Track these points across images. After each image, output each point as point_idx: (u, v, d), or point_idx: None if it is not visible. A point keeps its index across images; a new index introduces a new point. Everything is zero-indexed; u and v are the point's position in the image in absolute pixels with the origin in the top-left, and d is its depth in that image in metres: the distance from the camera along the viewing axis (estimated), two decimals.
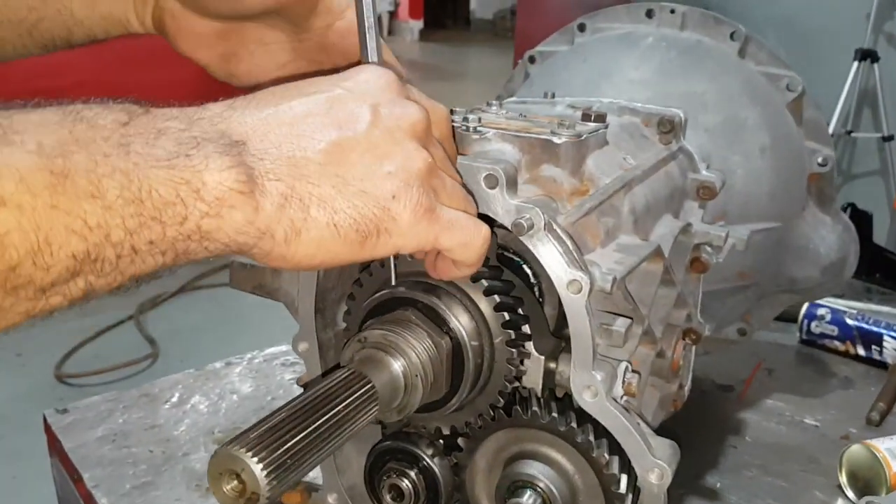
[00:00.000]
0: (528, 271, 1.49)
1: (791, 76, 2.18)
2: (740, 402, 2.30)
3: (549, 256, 1.20)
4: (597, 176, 1.44)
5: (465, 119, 1.43)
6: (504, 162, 1.27)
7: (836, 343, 2.56)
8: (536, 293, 1.48)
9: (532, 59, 2.42)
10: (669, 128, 1.74)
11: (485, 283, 1.29)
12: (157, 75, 4.73)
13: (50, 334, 4.91)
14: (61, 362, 4.88)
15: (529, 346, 1.30)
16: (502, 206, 1.22)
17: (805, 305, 2.60)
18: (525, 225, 1.20)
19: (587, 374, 1.20)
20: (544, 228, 1.20)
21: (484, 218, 1.18)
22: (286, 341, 1.41)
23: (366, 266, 1.36)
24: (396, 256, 1.27)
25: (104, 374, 4.93)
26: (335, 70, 0.87)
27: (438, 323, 1.25)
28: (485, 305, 1.29)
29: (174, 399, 2.31)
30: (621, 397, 1.25)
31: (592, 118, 1.52)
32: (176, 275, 4.66)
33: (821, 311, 2.62)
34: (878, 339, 2.44)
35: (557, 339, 1.38)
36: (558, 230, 1.22)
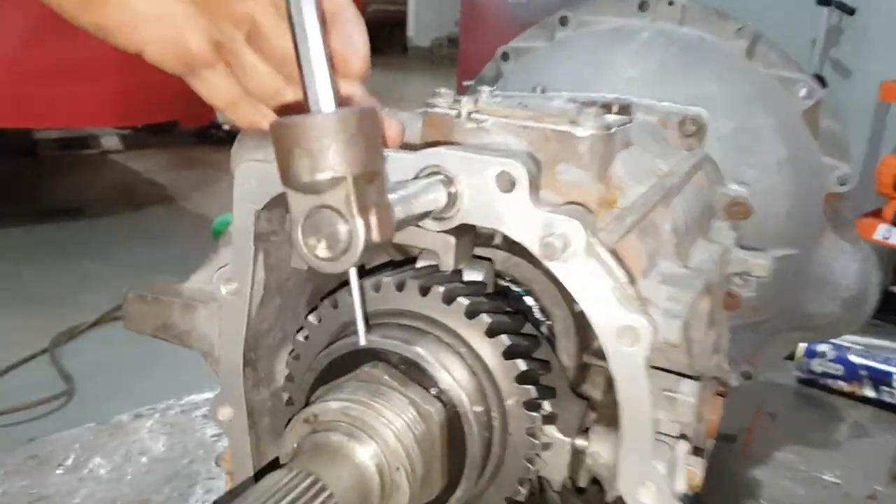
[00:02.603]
0: (533, 305, 1.12)
1: (806, 81, 1.88)
2: (746, 456, 2.02)
3: (591, 290, 0.82)
4: (627, 183, 1.07)
5: (456, 102, 1.05)
6: (520, 155, 0.89)
7: (842, 384, 2.30)
8: (545, 333, 1.11)
9: (505, 56, 2.07)
10: (694, 129, 1.39)
11: (486, 318, 0.90)
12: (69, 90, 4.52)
13: None
14: None
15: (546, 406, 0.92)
16: (522, 217, 0.84)
17: None
18: (558, 246, 0.82)
19: (644, 463, 0.82)
20: (585, 251, 0.82)
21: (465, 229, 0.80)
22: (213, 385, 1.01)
23: (314, 308, 0.97)
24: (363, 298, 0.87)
25: (12, 415, 4.34)
26: None
27: (424, 383, 0.86)
28: (489, 352, 0.91)
29: (68, 462, 1.89)
30: (683, 495, 0.87)
31: (615, 109, 1.16)
32: (94, 306, 4.14)
33: (822, 348, 2.37)
34: (888, 379, 2.21)
35: (582, 401, 1.01)
36: (602, 252, 0.84)
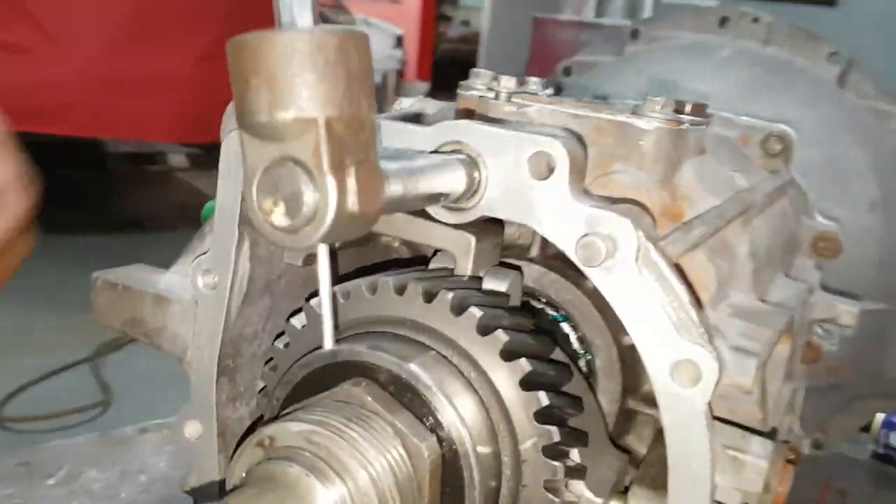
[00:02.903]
0: (570, 333, 0.93)
1: None
2: None
3: (642, 310, 0.63)
4: (698, 193, 0.88)
5: (495, 81, 0.88)
6: (562, 135, 0.71)
7: None
8: (583, 369, 0.92)
9: (567, 71, 1.91)
10: (779, 148, 1.19)
11: (502, 335, 0.71)
12: (143, 102, 4.50)
13: None
14: (2, 403, 4.26)
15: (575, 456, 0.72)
16: (559, 211, 0.65)
17: None
18: (602, 248, 0.63)
19: None
20: (637, 257, 0.63)
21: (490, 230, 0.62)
22: None
23: (299, 310, 0.80)
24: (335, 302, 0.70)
25: (49, 420, 4.31)
26: None
27: (418, 411, 0.68)
28: (504, 379, 0.72)
29: (61, 473, 1.74)
30: None
31: (688, 109, 0.98)
32: None
33: None
34: None
35: (623, 455, 0.81)
36: (661, 263, 0.65)
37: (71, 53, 4.32)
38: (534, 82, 0.96)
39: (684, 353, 0.64)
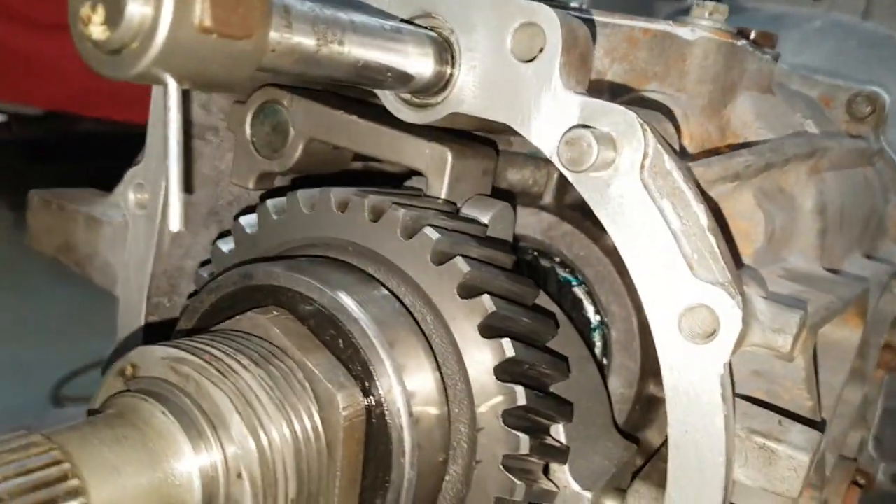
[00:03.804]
0: (584, 299, 0.76)
1: None
2: None
3: (644, 234, 0.46)
4: (754, 130, 0.70)
5: None
6: (562, 13, 0.53)
7: None
8: (595, 343, 0.75)
9: None
10: (868, 111, 0.99)
11: (462, 265, 0.54)
12: None
13: (52, 351, 4.32)
14: (62, 382, 4.24)
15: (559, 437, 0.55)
16: (545, 101, 0.49)
17: None
18: (594, 146, 0.46)
19: None
20: (644, 164, 0.46)
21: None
22: None
23: (227, 233, 0.65)
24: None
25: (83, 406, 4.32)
26: None
27: (343, 355, 0.51)
28: (463, 322, 0.55)
29: None
30: None
31: (753, 35, 0.80)
32: None
33: None
34: None
35: (629, 444, 0.63)
36: (677, 175, 0.48)
37: None
38: None
39: (698, 295, 0.46)
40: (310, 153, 0.69)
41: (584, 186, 0.49)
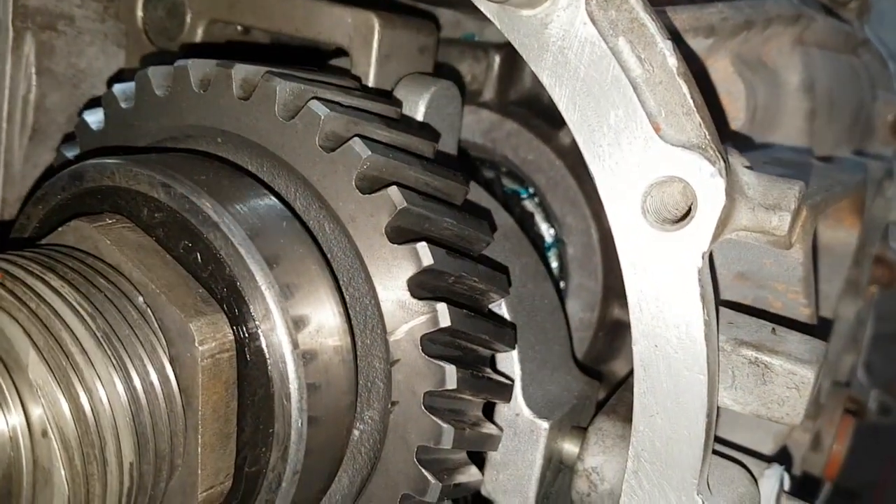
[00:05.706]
0: (535, 211, 0.65)
1: None
2: None
3: (595, 85, 0.33)
4: None
5: None
6: None
7: None
8: (553, 265, 0.63)
9: None
10: None
11: (361, 148, 0.42)
12: None
13: None
14: None
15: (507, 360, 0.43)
16: None
17: None
18: None
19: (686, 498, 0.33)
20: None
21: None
22: None
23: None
24: None
25: None
26: None
27: (202, 274, 0.39)
28: (365, 223, 0.43)
29: None
30: None
31: None
32: None
33: None
34: None
35: (590, 380, 0.52)
36: (636, 2, 0.35)
37: None
38: None
39: (667, 164, 0.34)
40: (213, 38, 0.57)
41: (516, 32, 0.37)
